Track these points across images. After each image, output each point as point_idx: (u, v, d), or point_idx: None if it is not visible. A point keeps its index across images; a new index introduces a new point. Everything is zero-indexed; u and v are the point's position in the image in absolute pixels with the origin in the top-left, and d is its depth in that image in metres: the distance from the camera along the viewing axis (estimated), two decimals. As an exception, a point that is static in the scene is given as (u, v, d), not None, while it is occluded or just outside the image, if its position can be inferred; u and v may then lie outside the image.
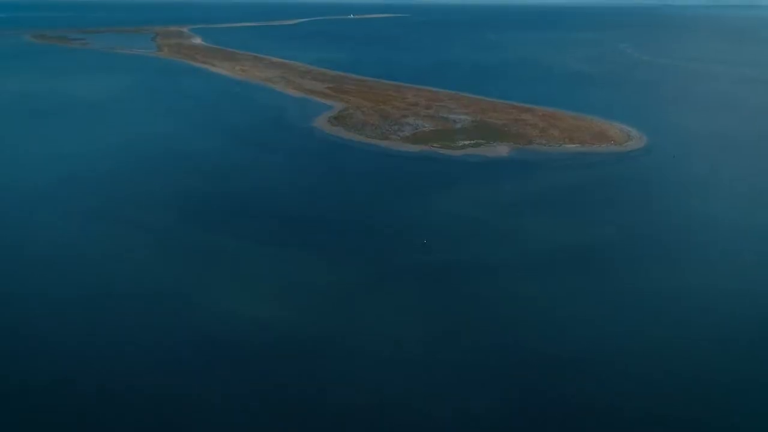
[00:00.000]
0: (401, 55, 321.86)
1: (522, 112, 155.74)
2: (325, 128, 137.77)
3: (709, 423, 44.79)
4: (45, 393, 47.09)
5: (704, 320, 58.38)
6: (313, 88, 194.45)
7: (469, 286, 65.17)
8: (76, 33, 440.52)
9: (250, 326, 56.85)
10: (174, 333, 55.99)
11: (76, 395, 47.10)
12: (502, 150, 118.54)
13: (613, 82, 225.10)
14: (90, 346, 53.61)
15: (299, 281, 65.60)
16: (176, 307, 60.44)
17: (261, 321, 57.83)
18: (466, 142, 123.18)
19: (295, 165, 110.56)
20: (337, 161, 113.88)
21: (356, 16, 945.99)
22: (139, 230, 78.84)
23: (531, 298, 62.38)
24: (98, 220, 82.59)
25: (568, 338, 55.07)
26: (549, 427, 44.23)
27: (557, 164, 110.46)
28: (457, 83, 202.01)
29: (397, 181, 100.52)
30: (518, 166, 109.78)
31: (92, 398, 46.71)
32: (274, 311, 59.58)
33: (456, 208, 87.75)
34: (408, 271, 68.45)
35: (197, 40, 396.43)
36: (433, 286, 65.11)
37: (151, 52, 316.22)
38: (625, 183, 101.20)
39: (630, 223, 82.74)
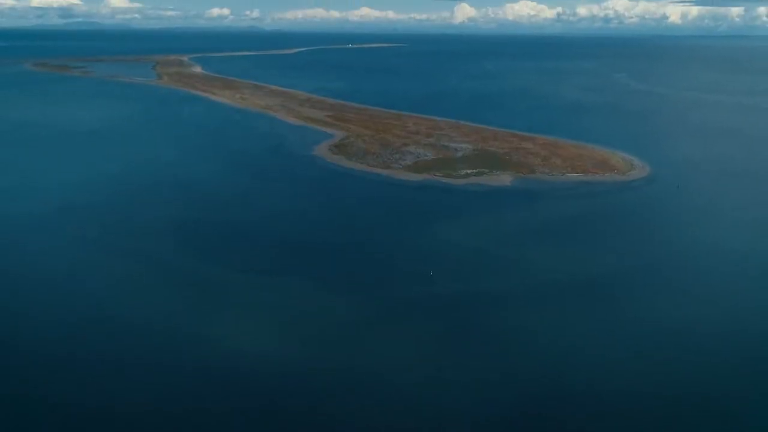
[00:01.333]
0: (400, 84, 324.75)
1: (523, 140, 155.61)
2: (326, 156, 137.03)
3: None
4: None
5: (711, 351, 56.70)
6: (313, 116, 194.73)
7: (477, 319, 63.21)
8: (77, 62, 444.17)
9: (250, 360, 54.55)
10: (172, 367, 53.56)
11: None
12: (504, 179, 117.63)
13: (612, 110, 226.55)
14: (84, 381, 51.11)
15: (302, 314, 63.51)
16: (174, 340, 58.14)
17: (262, 355, 55.62)
18: (469, 171, 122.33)
19: (296, 193, 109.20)
20: (339, 190, 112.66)
21: (354, 46, 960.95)
22: (137, 259, 76.81)
23: (539, 332, 60.47)
24: (94, 249, 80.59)
25: (575, 371, 53.49)
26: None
27: (561, 193, 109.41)
28: (456, 112, 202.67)
29: (400, 211, 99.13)
30: (522, 195, 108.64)
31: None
32: (275, 346, 57.41)
33: (461, 238, 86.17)
34: (414, 303, 66.45)
35: (197, 69, 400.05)
36: (440, 319, 63.08)
37: (152, 80, 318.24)
38: (630, 213, 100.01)
39: (637, 254, 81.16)
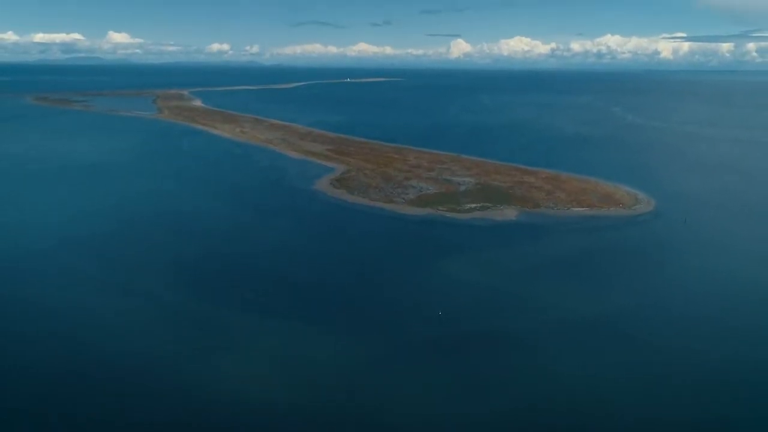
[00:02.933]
0: (399, 118, 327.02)
1: (525, 174, 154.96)
2: (327, 191, 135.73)
3: None
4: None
5: (725, 391, 54.67)
6: (313, 149, 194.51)
7: (488, 360, 60.70)
8: (78, 96, 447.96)
9: (253, 406, 51.70)
10: (172, 414, 50.61)
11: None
12: (509, 213, 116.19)
13: (612, 144, 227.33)
14: (77, 425, 48.17)
15: (306, 356, 60.83)
16: (172, 384, 55.29)
17: (265, 400, 52.81)
18: (473, 206, 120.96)
19: (298, 229, 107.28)
20: (341, 225, 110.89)
21: (352, 80, 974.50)
22: (134, 298, 74.26)
23: (550, 373, 58.00)
24: (90, 286, 78.00)
25: (587, 413, 51.58)
26: None
27: (567, 228, 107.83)
28: (457, 145, 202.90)
29: (405, 246, 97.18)
30: (528, 230, 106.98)
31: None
32: (278, 390, 54.65)
33: (468, 274, 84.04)
34: (423, 344, 63.98)
35: (197, 103, 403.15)
36: (450, 361, 60.57)
37: (152, 114, 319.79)
38: (639, 248, 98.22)
39: (650, 291, 79.11)
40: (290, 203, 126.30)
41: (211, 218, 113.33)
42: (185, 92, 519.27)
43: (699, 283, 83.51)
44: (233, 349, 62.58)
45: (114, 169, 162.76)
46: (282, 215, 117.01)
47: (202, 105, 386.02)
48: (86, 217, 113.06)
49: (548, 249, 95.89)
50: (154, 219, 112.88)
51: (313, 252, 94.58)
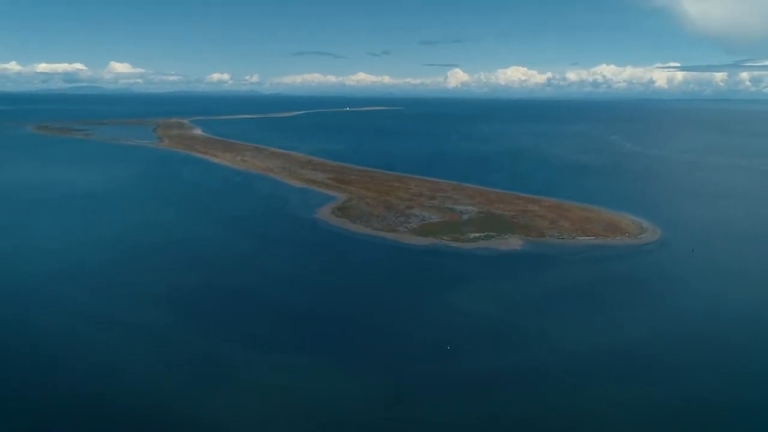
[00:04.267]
0: (399, 146, 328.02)
1: (528, 202, 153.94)
2: (329, 219, 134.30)
3: None
4: None
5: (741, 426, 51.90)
6: (314, 178, 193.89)
7: (501, 397, 58.34)
8: (79, 125, 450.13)
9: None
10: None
11: None
12: (514, 243, 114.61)
13: (613, 172, 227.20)
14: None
15: (309, 393, 58.40)
16: (171, 422, 52.75)
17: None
18: (476, 235, 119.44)
19: (300, 258, 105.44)
20: (344, 254, 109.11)
21: (351, 109, 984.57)
22: (133, 333, 71.93)
23: (566, 408, 55.56)
24: (87, 318, 75.70)
25: None
26: None
27: (574, 258, 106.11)
28: (457, 173, 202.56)
29: (410, 277, 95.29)
30: (533, 260, 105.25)
31: None
32: (280, 429, 52.12)
33: (476, 306, 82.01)
34: (433, 381, 61.60)
35: (197, 131, 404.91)
36: (462, 399, 58.12)
37: (153, 142, 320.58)
38: (648, 278, 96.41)
39: (664, 322, 77.03)
40: (292, 232, 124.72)
41: (212, 247, 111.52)
42: (186, 121, 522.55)
43: (713, 314, 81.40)
44: (233, 384, 60.17)
45: (112, 197, 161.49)
46: (284, 244, 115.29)
47: (203, 133, 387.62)
48: (83, 247, 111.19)
49: (556, 279, 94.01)
50: (154, 249, 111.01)
51: (317, 282, 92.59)
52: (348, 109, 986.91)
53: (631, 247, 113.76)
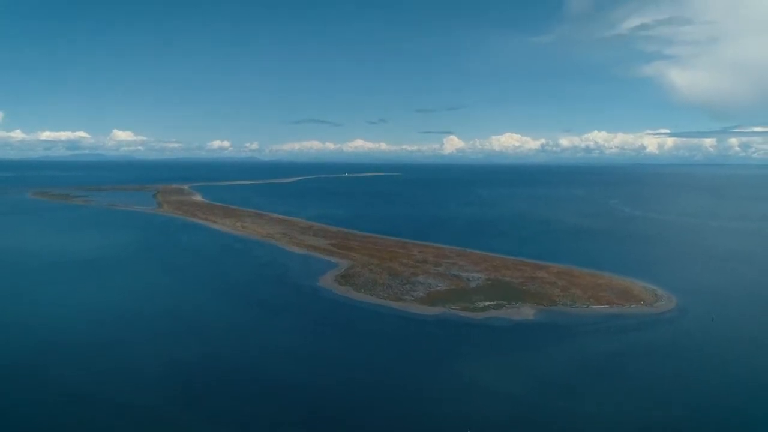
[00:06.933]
0: (400, 211, 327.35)
1: (535, 269, 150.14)
2: (333, 287, 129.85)
3: None
4: None
5: None
6: (315, 244, 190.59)
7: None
8: (78, 191, 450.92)
9: None
10: None
11: None
12: (526, 312, 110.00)
13: (617, 237, 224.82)
14: None
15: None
16: None
17: None
18: (487, 303, 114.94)
19: (304, 329, 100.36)
20: (350, 325, 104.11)
21: (350, 175, 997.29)
22: (121, 413, 66.08)
23: None
24: (74, 398, 69.91)
25: None
26: None
27: (591, 328, 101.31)
28: (460, 239, 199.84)
29: (420, 349, 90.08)
30: (549, 330, 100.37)
31: None
32: None
33: (493, 382, 76.62)
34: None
35: (197, 197, 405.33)
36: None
37: (152, 208, 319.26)
38: (674, 350, 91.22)
39: (700, 397, 71.70)
40: (294, 301, 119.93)
41: (210, 318, 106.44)
42: (186, 187, 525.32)
43: (745, 386, 76.08)
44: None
45: (108, 265, 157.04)
46: (286, 314, 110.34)
47: (202, 199, 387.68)
48: (75, 317, 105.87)
49: (575, 352, 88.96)
50: (150, 319, 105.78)
51: (320, 356, 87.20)
52: (346, 175, 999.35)
53: (649, 315, 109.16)
